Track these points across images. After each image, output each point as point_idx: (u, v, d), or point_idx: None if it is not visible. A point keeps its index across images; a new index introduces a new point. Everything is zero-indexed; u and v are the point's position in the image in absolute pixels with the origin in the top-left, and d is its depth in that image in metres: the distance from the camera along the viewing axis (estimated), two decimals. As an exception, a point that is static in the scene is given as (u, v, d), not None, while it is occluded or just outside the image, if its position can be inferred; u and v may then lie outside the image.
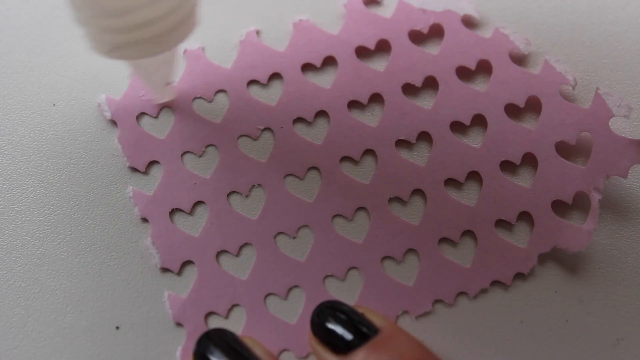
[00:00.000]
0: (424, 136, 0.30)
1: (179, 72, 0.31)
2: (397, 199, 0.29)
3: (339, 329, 0.25)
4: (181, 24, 0.25)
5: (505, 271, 0.28)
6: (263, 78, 0.31)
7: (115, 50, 0.25)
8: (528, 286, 0.28)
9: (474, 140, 0.30)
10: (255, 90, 0.31)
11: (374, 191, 0.29)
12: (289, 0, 0.33)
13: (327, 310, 0.26)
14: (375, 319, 0.25)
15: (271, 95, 0.31)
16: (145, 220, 0.29)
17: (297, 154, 0.30)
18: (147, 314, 0.28)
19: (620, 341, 0.27)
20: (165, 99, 0.31)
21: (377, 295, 0.28)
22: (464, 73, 0.31)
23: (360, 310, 0.26)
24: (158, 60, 0.26)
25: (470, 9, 0.32)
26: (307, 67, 0.32)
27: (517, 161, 0.29)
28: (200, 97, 0.31)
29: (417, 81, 0.31)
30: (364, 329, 0.25)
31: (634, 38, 0.32)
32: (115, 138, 0.30)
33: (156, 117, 0.31)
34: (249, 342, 0.26)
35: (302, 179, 0.29)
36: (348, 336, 0.25)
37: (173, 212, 0.29)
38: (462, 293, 0.28)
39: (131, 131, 0.30)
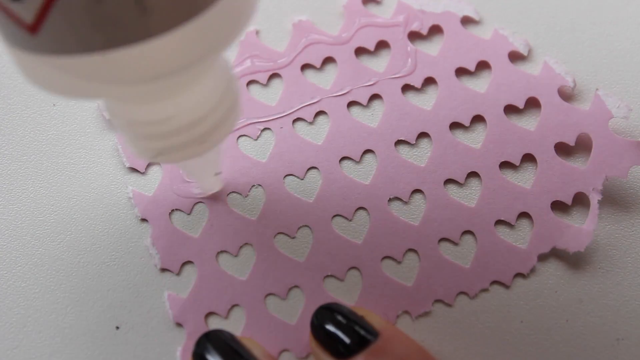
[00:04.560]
0: (424, 137, 0.30)
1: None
2: (397, 199, 0.29)
3: (339, 333, 0.25)
4: (225, 119, 0.23)
5: (505, 271, 0.28)
6: (262, 78, 0.31)
7: (160, 155, 0.23)
8: (528, 286, 0.28)
9: (474, 141, 0.30)
10: (255, 89, 0.31)
11: (374, 191, 0.29)
12: (289, 0, 0.33)
13: (327, 313, 0.26)
14: (375, 322, 0.25)
15: (271, 95, 0.31)
16: (145, 220, 0.29)
17: (297, 154, 0.30)
18: (147, 314, 0.28)
19: (620, 341, 0.27)
20: (215, 189, 0.30)
21: (377, 295, 0.28)
22: (463, 74, 0.31)
23: (360, 313, 0.26)
24: (205, 156, 0.24)
25: (469, 10, 0.33)
26: (306, 67, 0.32)
27: (517, 162, 0.29)
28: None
29: (417, 82, 0.31)
30: (364, 333, 0.25)
31: (634, 38, 0.32)
32: (115, 137, 0.30)
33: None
34: (248, 343, 0.26)
35: (302, 179, 0.29)
36: (347, 340, 0.24)
37: (173, 212, 0.29)
38: (462, 293, 0.28)
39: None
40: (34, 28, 0.16)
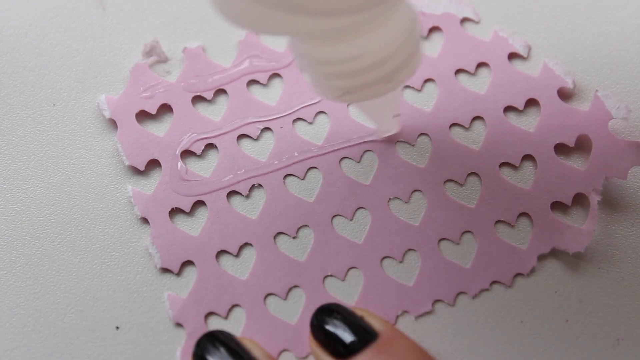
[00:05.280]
0: (424, 138, 0.30)
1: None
2: (397, 199, 0.29)
3: (338, 333, 0.25)
4: (409, 59, 0.24)
5: (505, 271, 0.28)
6: (263, 78, 0.31)
7: (346, 94, 0.24)
8: (528, 286, 0.28)
9: (474, 141, 0.30)
10: (255, 89, 0.31)
11: (374, 191, 0.29)
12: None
13: (327, 313, 0.26)
14: (375, 323, 0.25)
15: (271, 95, 0.31)
16: (145, 220, 0.29)
17: (297, 154, 0.30)
18: (147, 314, 0.28)
19: (620, 341, 0.27)
20: (393, 131, 0.30)
21: (377, 295, 0.28)
22: (463, 75, 0.31)
23: (360, 313, 0.26)
24: (387, 96, 0.25)
25: (469, 12, 0.33)
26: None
27: (517, 162, 0.29)
28: (200, 96, 0.31)
29: (417, 84, 0.31)
30: (363, 333, 0.25)
31: (634, 38, 0.32)
32: (115, 137, 0.30)
33: (155, 116, 0.31)
34: (248, 344, 0.26)
35: (302, 179, 0.30)
36: (347, 340, 0.24)
37: (173, 212, 0.29)
38: (462, 293, 0.28)
39: (130, 130, 0.30)
40: None
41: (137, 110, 0.31)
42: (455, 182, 0.29)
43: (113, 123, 0.31)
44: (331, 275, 0.28)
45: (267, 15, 0.18)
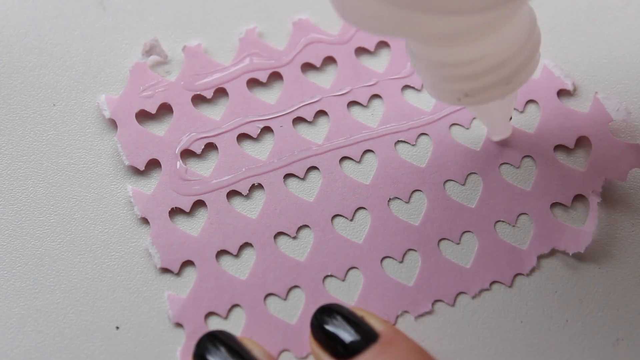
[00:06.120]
0: (424, 138, 0.30)
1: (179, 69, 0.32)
2: (397, 199, 0.29)
3: (338, 333, 0.25)
4: (530, 59, 0.24)
5: (505, 271, 0.28)
6: (262, 76, 0.31)
7: (465, 97, 0.24)
8: (528, 286, 0.28)
9: (474, 142, 0.30)
10: (254, 88, 0.31)
11: (374, 191, 0.29)
12: (289, 0, 0.33)
13: (327, 314, 0.26)
14: (375, 323, 0.25)
15: (271, 94, 0.31)
16: (145, 220, 0.29)
17: (297, 153, 0.30)
18: (147, 314, 0.28)
19: (620, 341, 0.27)
20: (506, 134, 0.30)
21: (377, 295, 0.28)
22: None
23: (360, 314, 0.26)
24: (505, 99, 0.25)
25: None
26: (306, 66, 0.32)
27: (517, 163, 0.29)
28: (200, 95, 0.31)
29: (417, 83, 0.31)
30: (364, 334, 0.25)
31: (634, 38, 0.32)
32: (115, 137, 0.30)
33: (155, 115, 0.31)
34: (248, 344, 0.26)
35: (302, 179, 0.30)
36: (347, 340, 0.24)
37: (173, 211, 0.29)
38: (462, 293, 0.28)
39: (130, 129, 0.30)
40: None
41: (137, 110, 0.30)
42: (455, 182, 0.29)
43: (113, 123, 0.31)
44: (331, 275, 0.28)
45: (390, 14, 0.18)
